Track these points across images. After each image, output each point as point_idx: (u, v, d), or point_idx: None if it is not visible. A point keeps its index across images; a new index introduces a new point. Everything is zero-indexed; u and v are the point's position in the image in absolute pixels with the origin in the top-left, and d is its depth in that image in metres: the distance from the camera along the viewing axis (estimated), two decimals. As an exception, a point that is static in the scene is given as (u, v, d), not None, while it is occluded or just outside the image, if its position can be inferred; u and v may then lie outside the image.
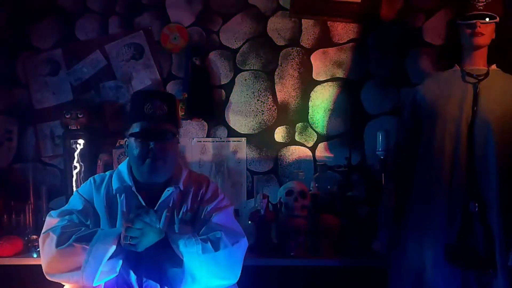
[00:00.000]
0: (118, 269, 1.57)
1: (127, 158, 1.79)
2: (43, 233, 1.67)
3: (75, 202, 1.77)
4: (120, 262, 1.56)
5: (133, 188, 1.72)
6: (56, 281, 1.64)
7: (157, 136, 1.67)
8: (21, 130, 2.88)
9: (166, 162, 1.69)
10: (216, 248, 1.59)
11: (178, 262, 1.57)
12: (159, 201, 1.71)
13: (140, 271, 1.63)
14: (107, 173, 1.84)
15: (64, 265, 1.58)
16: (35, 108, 2.86)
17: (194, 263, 1.55)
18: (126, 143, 1.75)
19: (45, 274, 1.64)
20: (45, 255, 1.62)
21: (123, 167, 1.79)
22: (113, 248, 1.53)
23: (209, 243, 1.59)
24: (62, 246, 1.57)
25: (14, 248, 2.38)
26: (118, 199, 1.73)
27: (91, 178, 1.84)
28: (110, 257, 1.54)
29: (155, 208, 1.69)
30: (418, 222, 1.97)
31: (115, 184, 1.75)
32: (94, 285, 1.55)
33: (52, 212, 1.76)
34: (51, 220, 1.71)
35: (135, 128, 1.69)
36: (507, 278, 1.83)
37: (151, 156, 1.66)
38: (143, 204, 1.70)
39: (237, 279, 1.69)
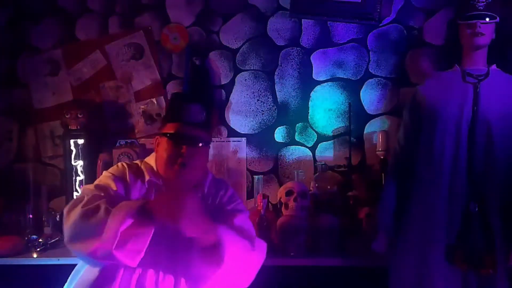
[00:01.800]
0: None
1: (153, 153, 1.74)
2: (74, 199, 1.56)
3: (108, 182, 1.63)
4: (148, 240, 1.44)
5: (163, 188, 1.65)
6: (76, 249, 1.49)
7: (191, 141, 1.62)
8: (21, 130, 2.88)
9: (195, 170, 1.64)
10: (252, 246, 1.59)
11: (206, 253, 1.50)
12: None
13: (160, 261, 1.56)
14: (135, 162, 1.76)
15: (86, 227, 1.44)
16: (35, 108, 2.87)
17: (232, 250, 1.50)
18: (157, 141, 1.70)
19: (66, 244, 1.51)
20: (70, 218, 1.48)
21: (151, 161, 1.73)
22: (132, 211, 1.41)
23: (247, 240, 1.57)
24: (88, 206, 1.46)
25: (14, 248, 2.38)
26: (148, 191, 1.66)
27: (123, 163, 1.73)
28: (140, 234, 1.43)
29: None
30: (418, 222, 1.97)
31: (148, 175, 1.67)
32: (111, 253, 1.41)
33: (86, 185, 1.66)
34: (86, 188, 1.61)
35: (170, 128, 1.64)
36: (507, 278, 1.83)
37: (181, 161, 1.61)
38: None
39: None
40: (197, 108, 1.64)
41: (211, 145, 1.75)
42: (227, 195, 1.74)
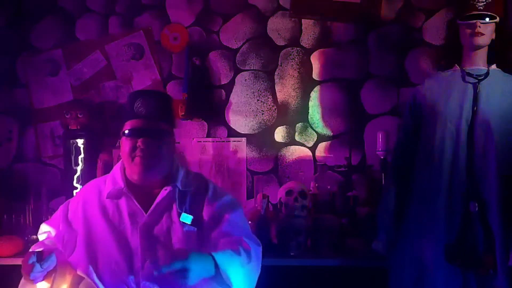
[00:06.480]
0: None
1: (121, 160, 1.76)
2: None
3: (51, 226, 1.83)
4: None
5: (124, 189, 1.67)
6: None
7: (147, 134, 1.64)
8: (21, 130, 2.88)
9: (157, 160, 1.65)
10: (249, 258, 1.58)
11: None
12: (156, 202, 1.65)
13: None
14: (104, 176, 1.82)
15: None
16: (35, 108, 2.87)
17: (238, 277, 1.53)
18: (119, 143, 1.73)
19: None
20: None
21: (116, 169, 1.76)
22: None
23: (243, 254, 1.56)
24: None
25: (14, 248, 2.38)
26: (110, 203, 1.69)
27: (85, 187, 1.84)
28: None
29: (151, 210, 1.64)
30: (418, 222, 1.96)
31: (107, 188, 1.71)
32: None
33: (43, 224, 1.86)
34: (41, 229, 1.86)
35: (128, 126, 1.67)
36: (507, 278, 1.83)
37: (139, 153, 1.62)
38: (137, 205, 1.65)
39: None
40: (148, 101, 1.66)
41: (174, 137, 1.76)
42: (210, 191, 1.73)
